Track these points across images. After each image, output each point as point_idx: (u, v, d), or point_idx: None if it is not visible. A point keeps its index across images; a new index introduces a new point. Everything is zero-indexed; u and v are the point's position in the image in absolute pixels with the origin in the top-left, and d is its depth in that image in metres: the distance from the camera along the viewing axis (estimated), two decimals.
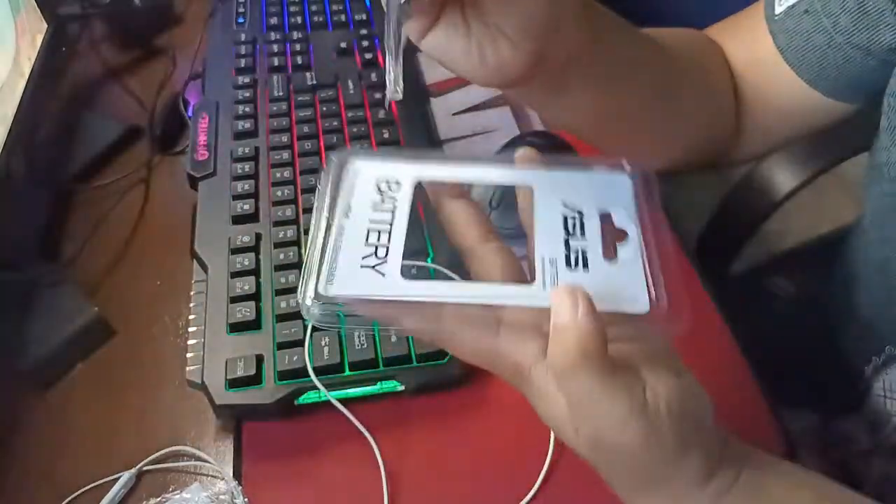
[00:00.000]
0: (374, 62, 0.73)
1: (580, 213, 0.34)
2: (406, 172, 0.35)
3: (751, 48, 0.54)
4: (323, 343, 0.50)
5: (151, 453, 0.49)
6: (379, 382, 0.49)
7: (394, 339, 0.50)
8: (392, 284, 0.32)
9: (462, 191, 0.35)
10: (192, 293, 0.53)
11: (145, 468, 0.48)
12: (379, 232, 0.33)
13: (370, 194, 0.34)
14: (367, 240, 0.33)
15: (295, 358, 0.49)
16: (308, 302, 0.31)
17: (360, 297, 0.31)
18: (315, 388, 0.48)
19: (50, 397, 0.53)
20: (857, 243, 0.63)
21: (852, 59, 0.49)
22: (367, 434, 0.48)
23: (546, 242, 0.33)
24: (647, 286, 0.32)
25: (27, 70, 0.67)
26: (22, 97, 0.64)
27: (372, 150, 0.35)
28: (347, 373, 0.49)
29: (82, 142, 0.71)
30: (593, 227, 0.34)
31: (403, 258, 0.32)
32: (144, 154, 0.69)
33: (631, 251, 0.33)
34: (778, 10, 0.51)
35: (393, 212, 0.34)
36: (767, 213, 0.74)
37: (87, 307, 0.56)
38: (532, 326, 0.32)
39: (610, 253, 0.33)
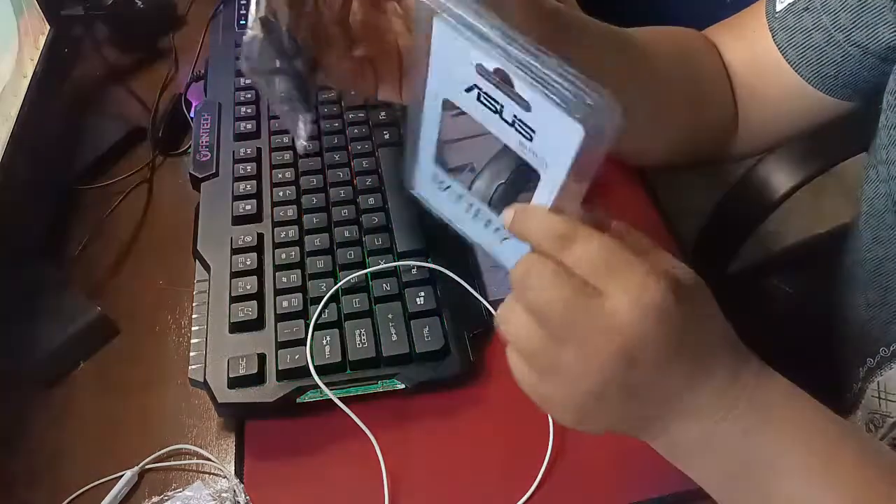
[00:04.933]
0: None
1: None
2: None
3: (751, 46, 0.54)
4: (324, 342, 0.50)
5: (154, 451, 0.49)
6: (380, 381, 0.50)
7: (395, 337, 0.51)
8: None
9: None
10: (194, 293, 0.54)
11: (148, 466, 0.49)
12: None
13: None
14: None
15: (296, 357, 0.49)
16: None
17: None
18: (316, 386, 0.48)
19: (53, 396, 0.53)
20: (852, 243, 0.63)
21: (851, 56, 0.49)
22: (367, 432, 0.48)
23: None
24: None
25: (30, 71, 0.67)
26: (25, 98, 0.64)
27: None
28: (348, 371, 0.50)
29: (85, 143, 0.71)
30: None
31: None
32: (147, 155, 0.69)
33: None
34: (779, 7, 0.52)
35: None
36: (765, 213, 0.74)
37: (90, 306, 0.56)
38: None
39: None
